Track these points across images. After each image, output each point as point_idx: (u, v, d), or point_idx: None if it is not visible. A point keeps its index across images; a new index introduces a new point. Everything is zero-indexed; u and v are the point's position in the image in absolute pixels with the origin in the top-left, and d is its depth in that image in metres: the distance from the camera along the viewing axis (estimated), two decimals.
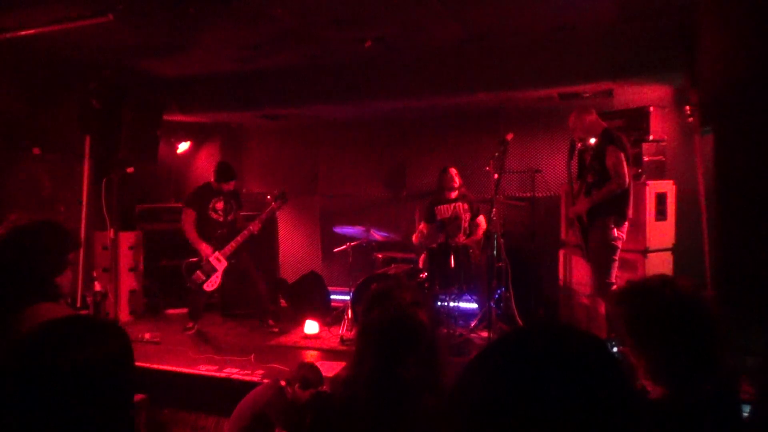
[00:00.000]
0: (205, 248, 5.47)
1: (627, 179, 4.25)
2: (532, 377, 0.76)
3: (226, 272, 5.53)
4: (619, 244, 4.31)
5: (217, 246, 5.51)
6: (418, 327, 1.73)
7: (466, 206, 5.82)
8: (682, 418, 1.53)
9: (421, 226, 6.03)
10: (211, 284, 5.49)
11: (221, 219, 5.65)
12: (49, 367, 1.13)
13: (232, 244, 5.51)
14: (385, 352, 1.70)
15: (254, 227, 5.55)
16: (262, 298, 5.80)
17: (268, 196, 5.91)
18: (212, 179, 5.65)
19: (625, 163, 4.24)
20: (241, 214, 5.86)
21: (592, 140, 4.48)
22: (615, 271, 4.32)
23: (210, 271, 5.48)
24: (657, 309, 1.63)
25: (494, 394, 0.77)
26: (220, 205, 5.65)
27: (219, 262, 5.49)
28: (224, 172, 5.64)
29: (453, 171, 5.86)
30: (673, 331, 1.60)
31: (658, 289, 1.66)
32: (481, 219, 5.75)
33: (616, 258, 4.32)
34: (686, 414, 1.53)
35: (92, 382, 1.16)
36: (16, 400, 1.11)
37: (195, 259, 5.51)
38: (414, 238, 6.05)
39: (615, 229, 4.27)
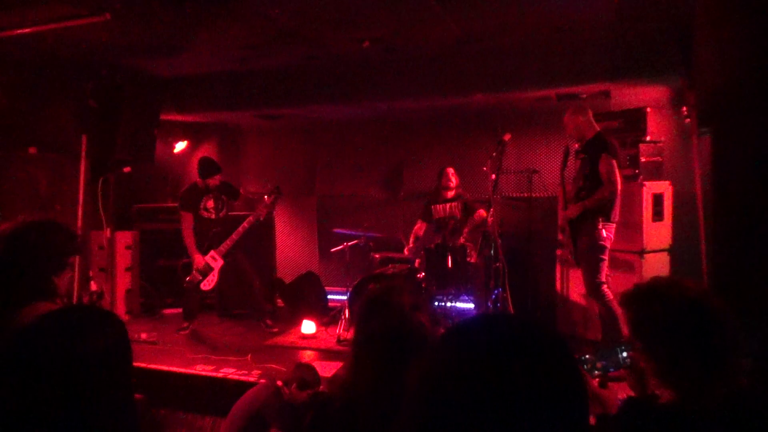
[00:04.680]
0: (198, 259, 5.47)
1: (619, 187, 4.30)
2: (478, 366, 0.77)
3: (222, 271, 5.53)
4: (608, 244, 4.38)
5: (213, 245, 5.50)
6: (422, 333, 1.71)
7: (461, 205, 5.82)
8: (692, 422, 1.50)
9: (417, 225, 6.00)
10: (208, 283, 5.49)
11: (213, 217, 5.64)
12: (48, 359, 1.13)
13: (228, 242, 5.49)
14: (388, 360, 1.67)
15: (260, 213, 5.50)
16: (258, 298, 5.79)
17: (266, 197, 5.89)
18: (197, 177, 5.63)
19: (617, 171, 4.30)
20: (234, 212, 5.84)
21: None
22: (605, 271, 4.38)
23: (206, 271, 5.47)
24: (664, 312, 1.61)
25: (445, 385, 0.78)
26: (210, 204, 5.64)
27: (215, 260, 5.49)
28: (206, 167, 5.59)
29: (450, 171, 5.88)
30: (681, 333, 1.58)
31: (665, 292, 1.64)
32: (482, 211, 5.56)
33: (605, 258, 4.38)
34: (696, 418, 1.50)
35: (91, 372, 1.16)
36: (16, 393, 1.11)
37: (191, 259, 5.51)
38: (405, 250, 5.95)
39: (603, 230, 4.33)
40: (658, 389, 1.65)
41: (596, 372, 2.02)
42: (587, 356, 2.06)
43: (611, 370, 2.03)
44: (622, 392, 2.16)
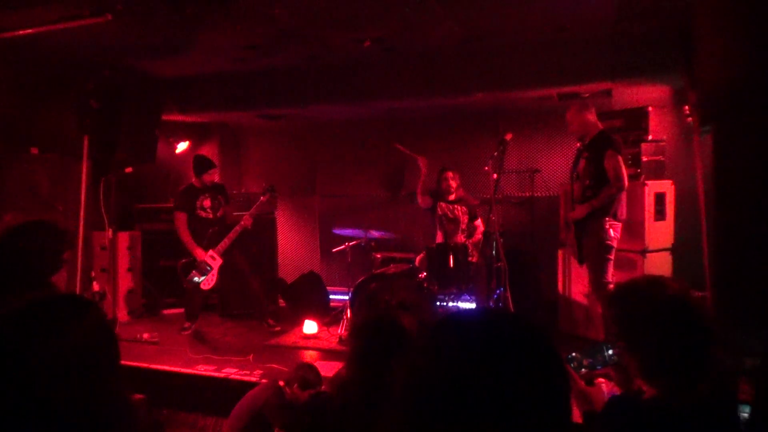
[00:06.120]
0: (200, 253, 5.48)
1: (626, 183, 4.28)
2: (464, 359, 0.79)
3: (221, 270, 5.54)
4: (614, 243, 4.36)
5: (211, 244, 5.52)
6: (398, 331, 1.73)
7: (464, 209, 5.80)
8: (676, 418, 1.53)
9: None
10: (208, 282, 5.51)
11: (211, 216, 5.67)
12: (16, 352, 1.09)
13: (225, 241, 5.52)
14: (367, 355, 1.70)
15: (246, 221, 5.57)
16: (259, 297, 5.80)
17: (261, 197, 5.91)
18: (192, 177, 5.68)
19: (623, 167, 4.29)
20: (232, 211, 5.86)
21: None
22: (611, 271, 4.36)
23: (205, 270, 5.49)
24: (645, 309, 1.64)
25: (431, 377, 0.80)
26: (207, 203, 5.67)
27: (214, 260, 5.51)
28: (200, 163, 5.66)
29: (449, 174, 5.80)
30: (662, 331, 1.60)
31: (646, 290, 1.67)
32: (479, 222, 5.73)
33: (612, 257, 4.36)
34: (680, 414, 1.53)
35: (71, 365, 1.11)
36: None
37: (190, 259, 5.53)
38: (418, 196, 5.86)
39: (610, 230, 4.31)
40: (644, 386, 1.67)
41: (583, 370, 2.03)
42: (574, 354, 2.07)
43: (598, 367, 2.04)
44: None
